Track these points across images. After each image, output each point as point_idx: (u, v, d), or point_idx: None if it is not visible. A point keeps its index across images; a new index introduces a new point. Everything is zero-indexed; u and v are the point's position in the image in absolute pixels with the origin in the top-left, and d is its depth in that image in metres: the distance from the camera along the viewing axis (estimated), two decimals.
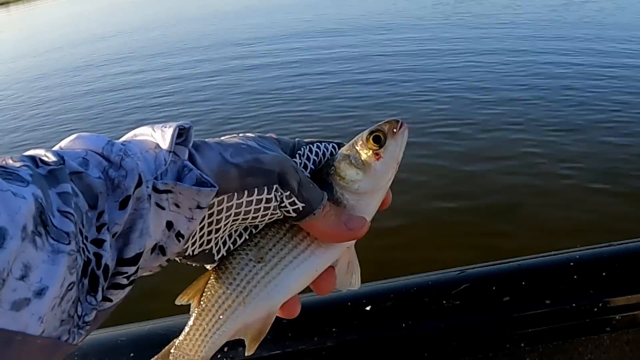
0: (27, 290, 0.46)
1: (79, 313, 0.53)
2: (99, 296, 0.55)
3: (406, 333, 1.32)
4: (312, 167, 0.74)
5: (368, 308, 1.30)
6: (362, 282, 1.23)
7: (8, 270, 0.45)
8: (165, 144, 0.61)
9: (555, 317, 1.33)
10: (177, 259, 0.68)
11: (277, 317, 0.74)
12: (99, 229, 0.55)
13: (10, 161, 0.53)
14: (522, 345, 1.33)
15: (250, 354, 0.73)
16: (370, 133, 0.73)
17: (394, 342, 1.31)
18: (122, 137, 0.65)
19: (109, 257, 0.55)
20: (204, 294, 0.71)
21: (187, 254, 0.67)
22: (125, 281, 0.58)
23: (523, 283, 1.35)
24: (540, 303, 1.32)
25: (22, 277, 0.46)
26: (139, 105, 8.84)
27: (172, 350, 0.72)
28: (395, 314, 1.33)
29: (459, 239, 4.12)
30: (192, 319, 0.71)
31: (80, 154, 0.58)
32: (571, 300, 1.33)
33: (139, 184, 0.58)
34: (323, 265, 0.73)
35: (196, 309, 0.71)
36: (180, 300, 0.72)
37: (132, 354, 1.30)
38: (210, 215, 0.64)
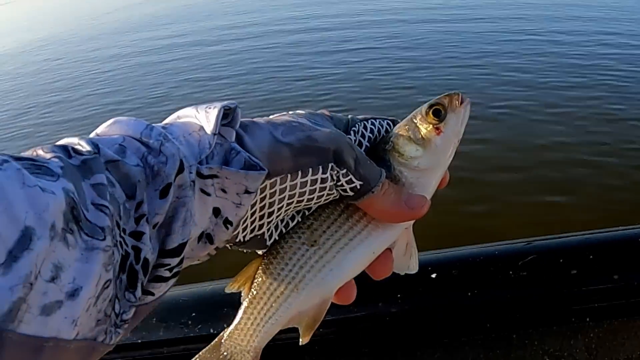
0: (58, 292, 0.44)
1: (117, 311, 0.51)
2: (138, 292, 0.53)
3: (470, 302, 1.30)
4: (367, 144, 0.71)
5: (433, 276, 1.29)
6: (429, 249, 1.23)
7: (36, 273, 0.42)
8: (209, 125, 0.59)
9: (622, 293, 1.30)
10: (227, 245, 0.65)
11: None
12: (137, 221, 0.53)
13: (41, 152, 0.50)
14: (587, 320, 1.32)
15: (304, 342, 0.70)
16: (430, 106, 0.70)
17: (458, 311, 1.31)
18: (164, 119, 0.63)
19: (148, 250, 0.53)
20: (254, 281, 0.69)
21: (237, 240, 0.64)
22: (167, 273, 0.56)
23: (591, 257, 1.32)
24: (608, 278, 1.30)
25: (53, 279, 0.44)
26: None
27: (223, 341, 0.70)
28: (461, 283, 1.31)
29: (523, 211, 4.08)
30: (242, 307, 0.69)
31: (117, 140, 0.56)
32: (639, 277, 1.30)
33: (181, 170, 0.55)
34: (380, 247, 0.71)
35: (247, 297, 0.69)
36: (230, 288, 0.70)
37: (193, 314, 1.32)
38: (262, 199, 0.62)
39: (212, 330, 1.31)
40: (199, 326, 1.32)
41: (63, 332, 0.45)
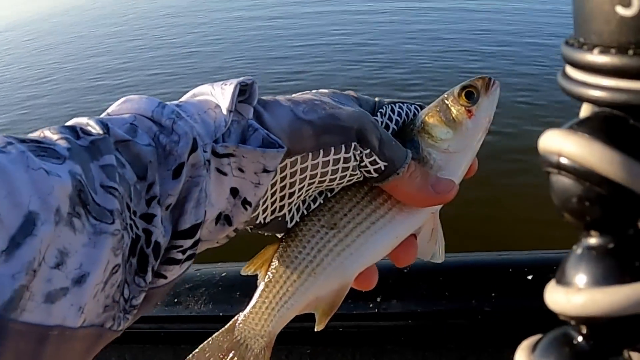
0: (64, 279, 0.43)
1: (126, 296, 0.49)
2: (149, 277, 0.51)
3: None
4: (394, 127, 0.68)
5: (530, 277, 1.28)
6: (526, 249, 1.21)
7: (40, 259, 0.41)
8: (225, 102, 0.56)
9: None
10: (247, 228, 0.63)
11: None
12: (148, 203, 0.51)
13: (48, 133, 0.49)
14: None
15: (320, 329, 0.68)
16: (463, 88, 0.68)
17: (551, 315, 1.29)
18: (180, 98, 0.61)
19: (160, 233, 0.51)
20: (271, 264, 0.67)
21: (257, 222, 0.62)
22: (180, 256, 0.54)
23: None
24: None
25: (58, 265, 0.42)
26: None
27: (237, 324, 0.67)
28: None
29: None
30: (258, 291, 0.67)
31: (128, 119, 0.54)
32: None
33: (194, 148, 0.53)
34: (405, 233, 0.68)
35: (263, 281, 0.66)
36: (246, 271, 0.67)
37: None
38: (283, 178, 0.59)
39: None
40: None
41: (68, 319, 0.43)
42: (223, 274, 1.41)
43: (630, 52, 0.30)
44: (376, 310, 1.29)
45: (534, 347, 0.34)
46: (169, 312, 1.37)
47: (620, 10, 0.30)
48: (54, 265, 0.42)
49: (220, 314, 1.31)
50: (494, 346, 1.28)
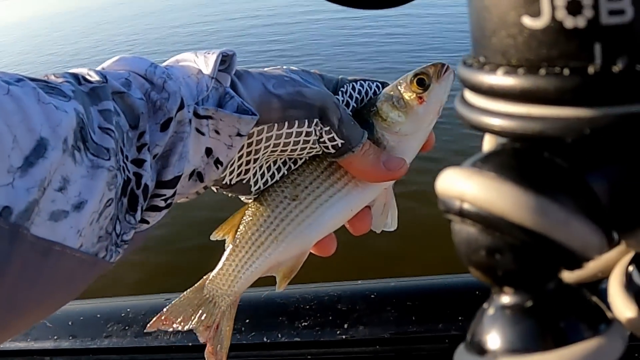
0: (65, 202, 0.47)
1: (117, 231, 0.54)
2: (138, 216, 0.55)
3: None
4: (355, 105, 0.73)
5: None
6: None
7: (49, 179, 0.45)
8: (207, 69, 0.61)
9: None
10: (214, 188, 0.68)
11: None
12: (139, 149, 0.55)
13: (52, 77, 0.53)
14: None
15: (280, 290, 0.75)
16: (415, 75, 0.71)
17: None
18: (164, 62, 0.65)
19: (149, 177, 0.55)
20: (238, 230, 0.72)
21: (224, 182, 0.67)
22: (162, 203, 0.59)
23: None
24: None
25: (61, 189, 0.47)
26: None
27: (206, 284, 0.73)
28: None
29: None
30: (226, 254, 0.72)
31: (123, 75, 0.58)
32: None
33: (181, 107, 0.57)
34: (359, 205, 0.73)
35: (230, 245, 0.72)
36: (215, 236, 0.73)
37: (247, 321, 1.30)
38: (249, 144, 0.64)
39: (265, 339, 1.29)
40: (252, 334, 1.30)
41: (68, 239, 0.47)
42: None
43: (542, 71, 0.25)
44: (343, 337, 1.26)
45: None
46: (138, 343, 1.36)
47: (528, 21, 0.25)
48: (58, 188, 0.46)
49: (190, 344, 1.29)
50: None
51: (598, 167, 0.27)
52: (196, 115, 0.59)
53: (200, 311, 0.72)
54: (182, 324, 0.71)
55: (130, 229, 0.55)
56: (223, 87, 0.62)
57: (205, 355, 0.72)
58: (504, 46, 0.26)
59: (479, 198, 0.25)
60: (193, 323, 0.72)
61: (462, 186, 0.26)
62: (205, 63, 0.61)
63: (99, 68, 0.59)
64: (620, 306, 0.31)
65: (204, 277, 0.73)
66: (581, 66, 0.25)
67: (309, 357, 1.29)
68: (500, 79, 0.26)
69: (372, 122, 0.71)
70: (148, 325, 0.71)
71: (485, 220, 0.25)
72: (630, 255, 0.33)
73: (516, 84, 0.26)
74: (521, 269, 0.26)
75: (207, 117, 0.59)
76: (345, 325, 1.26)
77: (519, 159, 0.27)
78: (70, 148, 0.47)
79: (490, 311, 0.28)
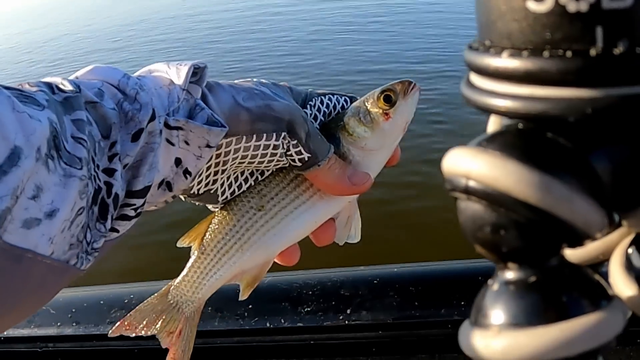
0: (38, 210, 0.47)
1: (88, 239, 0.54)
2: (108, 224, 0.56)
3: None
4: (322, 118, 0.74)
5: None
6: None
7: (22, 188, 0.45)
8: (179, 81, 0.61)
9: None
10: (182, 196, 0.69)
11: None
12: (110, 159, 0.56)
13: (27, 86, 0.53)
14: None
15: (243, 299, 0.75)
16: (382, 92, 0.72)
17: None
18: (136, 72, 0.65)
19: (119, 186, 0.56)
20: (204, 238, 0.73)
21: (192, 192, 0.67)
22: (132, 213, 0.59)
23: None
24: None
25: (34, 197, 0.47)
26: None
27: (170, 289, 0.73)
28: None
29: None
30: (191, 260, 0.73)
31: (96, 84, 0.58)
32: None
33: (152, 118, 0.58)
34: (323, 217, 0.74)
35: (196, 252, 0.73)
36: (181, 243, 0.73)
37: (250, 306, 1.30)
38: (218, 156, 0.65)
39: (268, 325, 1.29)
40: (255, 319, 1.30)
41: (40, 247, 0.48)
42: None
43: (546, 53, 0.26)
44: (346, 322, 1.26)
45: None
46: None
47: (532, 5, 0.26)
48: (31, 196, 0.47)
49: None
50: (465, 355, 1.25)
51: (601, 148, 0.28)
52: (167, 126, 0.60)
53: (163, 317, 0.73)
54: (144, 329, 0.72)
55: (101, 237, 0.55)
56: (194, 98, 0.62)
57: None
58: (509, 30, 0.27)
59: (484, 175, 0.26)
60: (156, 328, 0.72)
61: (468, 164, 0.27)
62: (177, 74, 0.62)
63: (72, 77, 0.60)
64: (621, 285, 0.32)
65: (169, 284, 0.74)
66: (583, 49, 0.25)
67: (311, 342, 1.30)
68: (505, 61, 0.27)
69: (338, 137, 0.72)
70: (110, 330, 0.71)
71: (490, 197, 0.26)
72: (630, 238, 0.34)
73: (520, 66, 0.26)
74: (525, 245, 0.27)
75: (178, 128, 0.60)
76: (348, 311, 1.27)
77: (523, 138, 0.27)
78: (43, 157, 0.48)
79: (495, 287, 0.28)
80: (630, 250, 0.33)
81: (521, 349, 0.26)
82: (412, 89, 0.73)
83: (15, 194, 0.45)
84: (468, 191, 0.27)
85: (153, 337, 0.77)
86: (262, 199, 0.72)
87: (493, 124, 0.31)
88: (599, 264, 0.37)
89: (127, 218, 0.59)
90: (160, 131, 0.59)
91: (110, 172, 0.55)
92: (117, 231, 0.58)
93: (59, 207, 0.49)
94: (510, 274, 0.28)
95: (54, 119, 0.50)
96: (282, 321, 1.28)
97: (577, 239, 0.27)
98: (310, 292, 1.30)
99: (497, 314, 0.28)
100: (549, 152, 0.27)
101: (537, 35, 0.26)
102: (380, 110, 0.72)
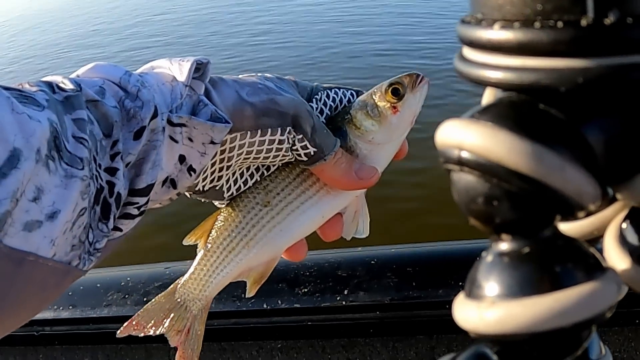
0: (39, 212, 0.47)
1: (90, 240, 0.54)
2: (111, 224, 0.55)
3: None
4: (328, 112, 0.73)
5: None
6: None
7: (22, 190, 0.45)
8: (182, 77, 0.61)
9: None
10: (187, 193, 0.68)
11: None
12: (112, 158, 0.55)
13: (27, 86, 0.53)
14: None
15: (250, 296, 0.75)
16: (390, 85, 0.71)
17: None
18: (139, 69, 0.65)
19: (121, 185, 0.55)
20: (210, 235, 0.72)
21: (197, 189, 0.67)
22: (135, 211, 0.59)
23: None
24: None
25: (35, 199, 0.47)
26: None
27: (178, 288, 0.73)
28: None
29: None
30: (197, 258, 0.73)
31: (97, 82, 0.58)
32: None
33: (155, 115, 0.57)
34: (330, 212, 0.73)
35: (202, 249, 0.72)
36: (187, 240, 0.73)
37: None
38: (222, 152, 0.64)
39: (265, 306, 1.30)
40: (252, 300, 1.31)
41: (42, 249, 0.48)
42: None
43: (537, 24, 0.26)
44: (343, 302, 1.27)
45: None
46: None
47: None
48: (31, 199, 0.46)
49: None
50: (463, 335, 1.26)
51: (593, 120, 0.28)
52: (170, 123, 0.59)
53: (171, 315, 0.73)
54: (153, 328, 0.72)
55: (103, 237, 0.55)
56: (197, 94, 0.62)
57: None
58: (500, 2, 0.27)
59: (477, 146, 0.26)
60: (164, 327, 0.72)
61: (460, 135, 0.27)
62: (179, 70, 0.62)
63: (73, 75, 0.60)
64: (615, 258, 0.32)
65: (176, 282, 0.73)
66: (574, 19, 0.25)
67: (309, 323, 1.30)
68: (496, 33, 0.27)
69: (345, 130, 0.72)
70: (119, 330, 0.71)
71: (483, 167, 0.26)
72: (624, 213, 0.34)
73: (512, 37, 0.26)
74: (518, 216, 0.27)
75: (181, 125, 0.60)
76: (346, 292, 1.27)
77: (515, 109, 0.27)
78: (44, 158, 0.47)
79: (489, 258, 0.28)
80: (624, 225, 0.33)
81: (515, 319, 0.26)
82: (421, 81, 0.72)
83: (16, 197, 0.45)
84: (461, 162, 0.27)
85: None
86: (267, 195, 0.71)
87: (487, 97, 0.31)
88: (594, 241, 0.37)
89: (130, 217, 0.59)
90: (163, 128, 0.58)
91: (112, 171, 0.55)
92: (121, 230, 0.58)
93: (61, 209, 0.49)
94: (504, 246, 0.28)
95: (54, 119, 0.49)
96: (279, 302, 1.29)
97: (570, 210, 0.27)
98: (307, 274, 1.31)
99: (490, 285, 0.28)
100: (541, 122, 0.27)
101: (528, 7, 0.26)
102: (388, 104, 0.71)
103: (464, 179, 0.27)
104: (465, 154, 0.27)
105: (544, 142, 0.26)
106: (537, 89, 0.26)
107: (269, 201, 0.71)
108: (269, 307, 1.29)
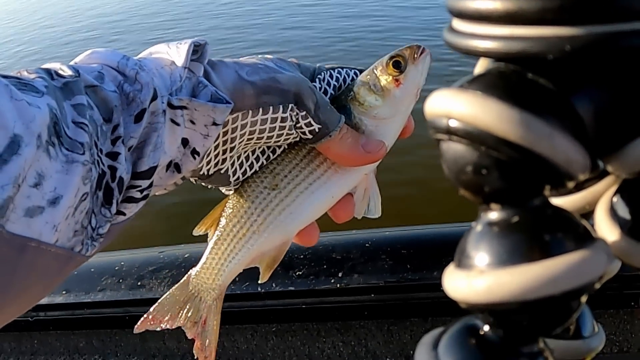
0: (41, 198, 0.47)
1: (93, 225, 0.54)
2: (114, 209, 0.56)
3: None
4: (332, 92, 0.73)
5: None
6: None
7: (23, 176, 0.45)
8: (180, 60, 0.61)
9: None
10: (192, 179, 0.69)
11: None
12: (113, 142, 0.55)
13: (25, 73, 0.53)
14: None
15: (263, 281, 0.75)
16: (391, 58, 0.71)
17: None
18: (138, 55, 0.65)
19: (123, 170, 0.56)
20: (219, 223, 0.72)
21: (202, 173, 0.67)
22: (138, 195, 0.59)
23: None
24: None
25: (36, 185, 0.47)
26: None
27: (190, 279, 0.73)
28: None
29: None
30: (208, 248, 0.73)
31: (96, 68, 0.58)
32: None
33: (154, 98, 0.58)
34: (340, 192, 0.73)
35: (212, 238, 0.72)
36: (197, 231, 0.73)
37: (240, 272, 1.31)
38: (225, 133, 0.64)
39: (259, 289, 1.30)
40: (246, 283, 1.31)
41: (44, 235, 0.48)
42: (186, 255, 1.41)
43: None
44: (338, 285, 1.28)
45: (437, 342, 0.30)
46: (132, 296, 1.37)
47: None
48: (33, 184, 0.47)
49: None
50: (459, 318, 1.27)
51: (582, 89, 0.28)
52: (170, 105, 0.59)
53: (187, 307, 0.73)
54: (169, 322, 0.72)
55: (106, 222, 0.55)
56: (196, 76, 0.62)
57: (194, 351, 0.73)
58: None
59: (465, 114, 0.26)
60: (181, 320, 0.72)
61: (449, 104, 0.27)
62: (177, 53, 0.62)
63: (71, 62, 0.60)
64: (606, 230, 0.32)
65: (188, 273, 0.73)
66: None
67: (303, 306, 1.31)
68: (484, 3, 0.27)
69: (349, 107, 0.71)
70: (136, 326, 0.71)
71: (472, 136, 0.26)
72: (615, 187, 0.34)
73: (500, 6, 0.26)
74: (507, 185, 0.27)
75: (182, 108, 0.60)
76: (340, 274, 1.27)
77: (504, 79, 0.27)
78: (44, 144, 0.48)
79: (478, 228, 0.28)
80: (615, 199, 0.33)
81: (504, 287, 0.26)
82: (422, 53, 0.72)
83: (17, 183, 0.45)
84: (449, 131, 0.27)
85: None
86: (275, 178, 0.71)
87: (479, 68, 0.31)
88: (586, 216, 0.37)
89: (133, 200, 0.59)
90: (164, 111, 0.58)
91: (113, 155, 0.55)
92: (124, 214, 0.59)
93: (62, 194, 0.49)
94: (494, 215, 0.28)
95: (53, 105, 0.50)
96: (274, 285, 1.29)
97: (560, 179, 0.27)
98: (301, 256, 1.31)
99: (480, 254, 0.28)
100: (529, 91, 0.27)
101: None
102: (391, 77, 0.71)
103: (452, 149, 0.27)
104: (453, 123, 0.27)
105: (532, 110, 0.26)
106: (525, 57, 0.26)
107: (276, 184, 0.71)
108: (263, 291, 1.29)
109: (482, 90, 0.26)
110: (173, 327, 0.72)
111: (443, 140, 0.28)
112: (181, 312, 0.72)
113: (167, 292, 0.73)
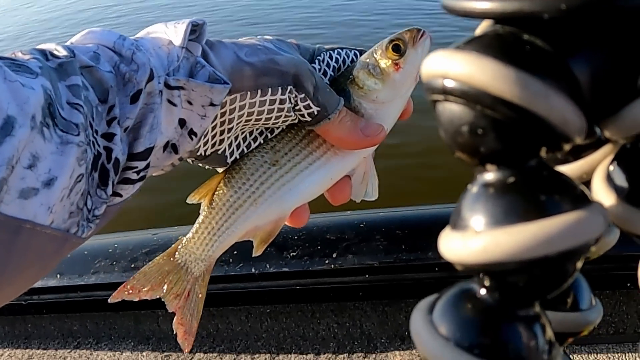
0: (35, 180, 0.47)
1: (89, 206, 0.54)
2: (109, 190, 0.56)
3: None
4: (332, 73, 0.73)
5: None
6: None
7: (17, 157, 0.45)
8: (177, 40, 0.61)
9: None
10: (189, 160, 0.68)
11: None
12: (109, 123, 0.55)
13: (19, 54, 0.53)
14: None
15: (257, 255, 0.73)
16: (390, 42, 0.71)
17: None
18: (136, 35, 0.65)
19: (119, 151, 0.55)
20: (215, 193, 0.72)
21: (199, 154, 0.67)
22: (135, 176, 0.59)
23: None
24: None
25: (30, 167, 0.47)
26: None
27: (179, 248, 0.72)
28: None
29: None
30: (201, 217, 0.72)
31: (91, 48, 0.58)
32: None
33: (151, 78, 0.57)
34: (338, 174, 0.73)
35: (206, 208, 0.72)
36: (191, 199, 0.72)
37: (235, 252, 1.31)
38: (223, 114, 0.64)
39: (253, 270, 1.30)
40: (240, 264, 1.31)
41: (39, 217, 0.48)
42: (180, 237, 1.39)
43: None
44: (332, 266, 1.28)
45: (432, 307, 0.30)
46: (126, 278, 1.37)
47: None
48: (27, 166, 0.46)
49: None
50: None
51: (579, 52, 0.28)
52: (167, 86, 0.59)
53: (170, 278, 0.71)
54: (149, 292, 0.70)
55: (102, 204, 0.55)
56: (194, 56, 0.61)
57: (173, 326, 0.70)
58: None
59: (461, 73, 0.26)
60: (162, 291, 0.70)
61: (445, 65, 0.27)
62: (175, 33, 0.61)
63: (67, 43, 0.59)
64: (602, 195, 0.32)
65: (177, 242, 0.72)
66: None
67: (297, 287, 1.31)
68: None
69: (348, 91, 0.71)
70: (111, 296, 0.69)
71: (467, 95, 0.26)
72: (613, 155, 0.34)
73: None
74: (503, 145, 0.27)
75: (179, 88, 0.59)
76: (334, 255, 1.28)
77: (500, 39, 0.27)
78: (38, 125, 0.47)
79: (474, 190, 0.28)
80: (612, 167, 0.33)
81: (500, 247, 0.26)
82: (422, 36, 0.71)
83: (11, 164, 0.45)
84: (445, 91, 0.27)
85: None
86: (276, 154, 0.71)
87: (478, 30, 0.31)
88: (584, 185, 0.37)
89: (130, 182, 0.58)
90: (160, 92, 0.58)
91: (109, 136, 0.55)
92: (121, 196, 0.58)
93: (57, 175, 0.49)
94: (489, 176, 0.28)
95: (48, 86, 0.49)
96: (268, 266, 1.29)
97: (556, 140, 0.27)
98: (295, 237, 1.31)
99: (476, 215, 0.27)
100: (525, 50, 0.27)
101: None
102: (390, 61, 0.71)
103: (448, 109, 0.27)
104: (449, 83, 0.26)
105: (528, 70, 0.26)
106: (521, 18, 0.26)
107: (277, 160, 0.71)
108: (257, 272, 1.30)
109: (478, 50, 0.26)
110: (152, 298, 0.70)
111: (439, 102, 0.28)
112: (164, 282, 0.71)
113: (151, 261, 0.71)
